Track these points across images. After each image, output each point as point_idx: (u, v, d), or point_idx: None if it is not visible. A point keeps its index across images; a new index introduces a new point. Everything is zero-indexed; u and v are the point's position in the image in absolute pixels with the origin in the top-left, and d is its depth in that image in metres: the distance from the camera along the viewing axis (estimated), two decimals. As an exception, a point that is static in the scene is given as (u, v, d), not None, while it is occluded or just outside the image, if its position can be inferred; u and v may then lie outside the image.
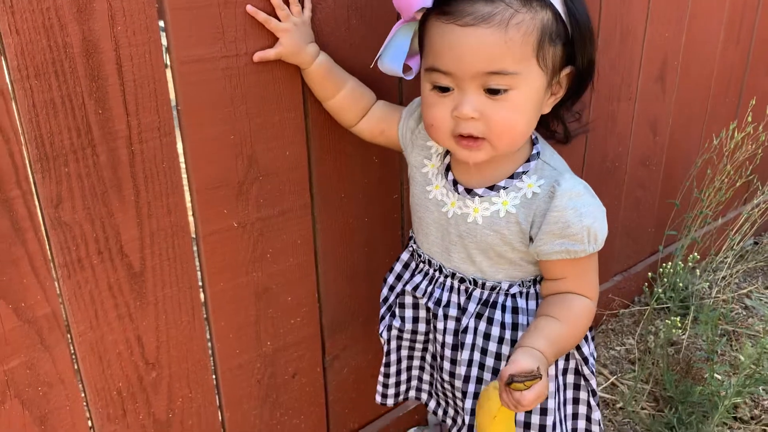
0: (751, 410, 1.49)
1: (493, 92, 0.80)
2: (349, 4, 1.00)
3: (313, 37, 0.95)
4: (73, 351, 0.91)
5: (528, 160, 0.88)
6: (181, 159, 0.93)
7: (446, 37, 0.80)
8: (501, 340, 0.91)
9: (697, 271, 1.86)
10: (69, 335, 0.89)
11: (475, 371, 0.92)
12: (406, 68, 0.90)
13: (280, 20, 0.91)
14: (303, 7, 0.94)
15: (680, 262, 1.63)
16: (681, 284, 1.70)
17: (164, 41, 0.87)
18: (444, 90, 0.82)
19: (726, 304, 1.88)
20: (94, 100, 0.82)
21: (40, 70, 0.78)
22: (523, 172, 0.87)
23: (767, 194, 1.84)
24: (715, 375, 1.47)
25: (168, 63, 0.88)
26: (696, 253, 1.56)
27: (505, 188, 0.87)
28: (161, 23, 0.86)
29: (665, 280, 1.61)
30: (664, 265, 1.65)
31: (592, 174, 1.61)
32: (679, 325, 1.42)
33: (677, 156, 1.83)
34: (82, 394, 0.94)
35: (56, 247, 0.85)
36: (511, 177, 0.87)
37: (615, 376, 1.61)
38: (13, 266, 0.82)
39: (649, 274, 1.91)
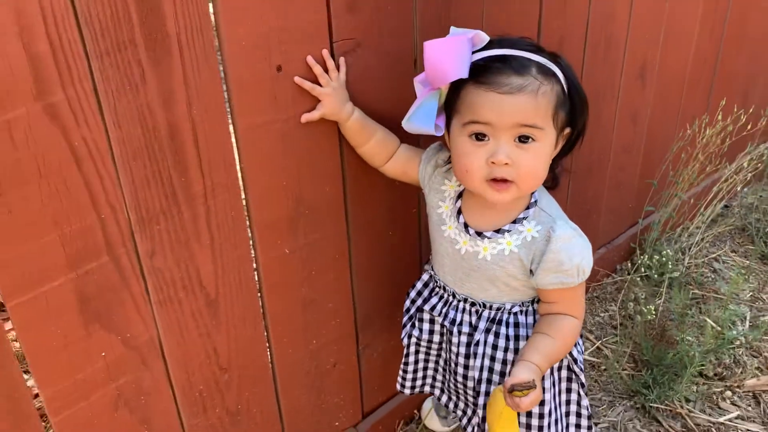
0: (715, 368, 1.75)
1: (523, 140, 0.98)
2: (374, 62, 1.17)
3: (348, 97, 1.13)
4: (166, 366, 1.12)
5: (528, 207, 1.07)
6: (244, 203, 1.11)
7: (487, 99, 0.98)
8: (506, 349, 1.13)
9: (672, 241, 2.09)
10: (162, 354, 1.10)
11: (486, 375, 1.15)
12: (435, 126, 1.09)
13: (321, 86, 1.08)
14: (339, 71, 1.11)
15: (652, 256, 1.86)
16: (657, 259, 1.93)
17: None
18: (480, 139, 1.00)
19: (697, 269, 2.12)
20: (178, 171, 1.00)
21: (137, 153, 0.95)
22: (524, 218, 1.07)
23: (732, 170, 2.06)
24: (686, 338, 1.72)
25: (232, 131, 1.06)
26: (669, 251, 1.78)
27: (509, 231, 1.07)
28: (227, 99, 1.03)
29: (641, 262, 1.84)
30: (641, 256, 1.88)
31: (581, 165, 1.81)
32: (654, 313, 1.65)
33: (655, 142, 2.03)
34: (173, 398, 1.15)
35: (152, 288, 1.04)
36: (514, 222, 1.07)
37: (600, 341, 1.86)
38: (122, 307, 1.02)
39: (631, 244, 2.14)
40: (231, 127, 1.05)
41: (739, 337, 1.78)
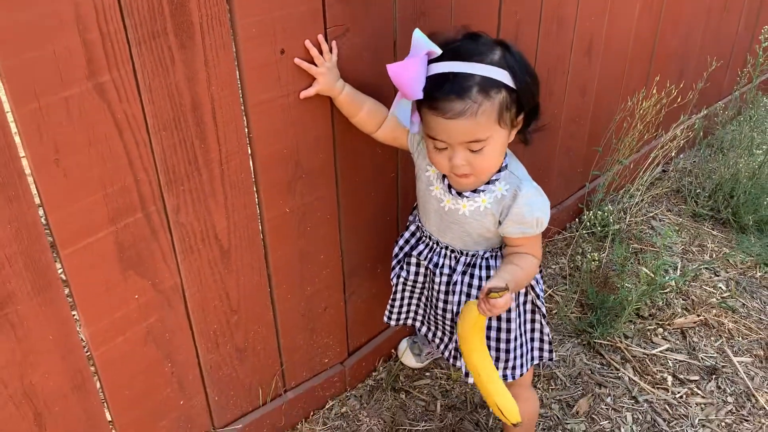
0: (649, 310, 2.02)
1: (473, 150, 1.18)
2: (360, 44, 1.35)
3: (339, 75, 1.31)
4: (186, 308, 1.30)
5: (499, 171, 1.28)
6: (251, 168, 1.29)
7: (438, 123, 1.16)
8: (479, 287, 1.35)
9: (615, 201, 2.35)
10: (184, 297, 1.29)
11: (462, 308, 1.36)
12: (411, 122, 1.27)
13: (317, 66, 1.26)
14: (331, 53, 1.29)
15: (597, 215, 2.10)
16: (600, 215, 2.18)
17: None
18: (441, 148, 1.20)
19: (637, 226, 2.39)
20: (199, 139, 1.18)
21: (167, 125, 1.12)
22: (496, 179, 1.27)
23: (667, 138, 2.32)
24: (625, 285, 1.98)
25: (243, 106, 1.23)
26: (610, 207, 2.03)
27: (483, 191, 1.27)
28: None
29: (588, 218, 2.09)
30: (589, 213, 2.12)
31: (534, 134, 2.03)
32: (597, 259, 1.90)
33: (601, 112, 2.26)
34: (192, 336, 1.34)
35: (177, 240, 1.22)
36: (488, 183, 1.28)
37: (551, 289, 2.11)
38: (151, 257, 1.20)
39: (579, 205, 2.39)
40: (242, 103, 1.23)
41: (669, 282, 2.06)
